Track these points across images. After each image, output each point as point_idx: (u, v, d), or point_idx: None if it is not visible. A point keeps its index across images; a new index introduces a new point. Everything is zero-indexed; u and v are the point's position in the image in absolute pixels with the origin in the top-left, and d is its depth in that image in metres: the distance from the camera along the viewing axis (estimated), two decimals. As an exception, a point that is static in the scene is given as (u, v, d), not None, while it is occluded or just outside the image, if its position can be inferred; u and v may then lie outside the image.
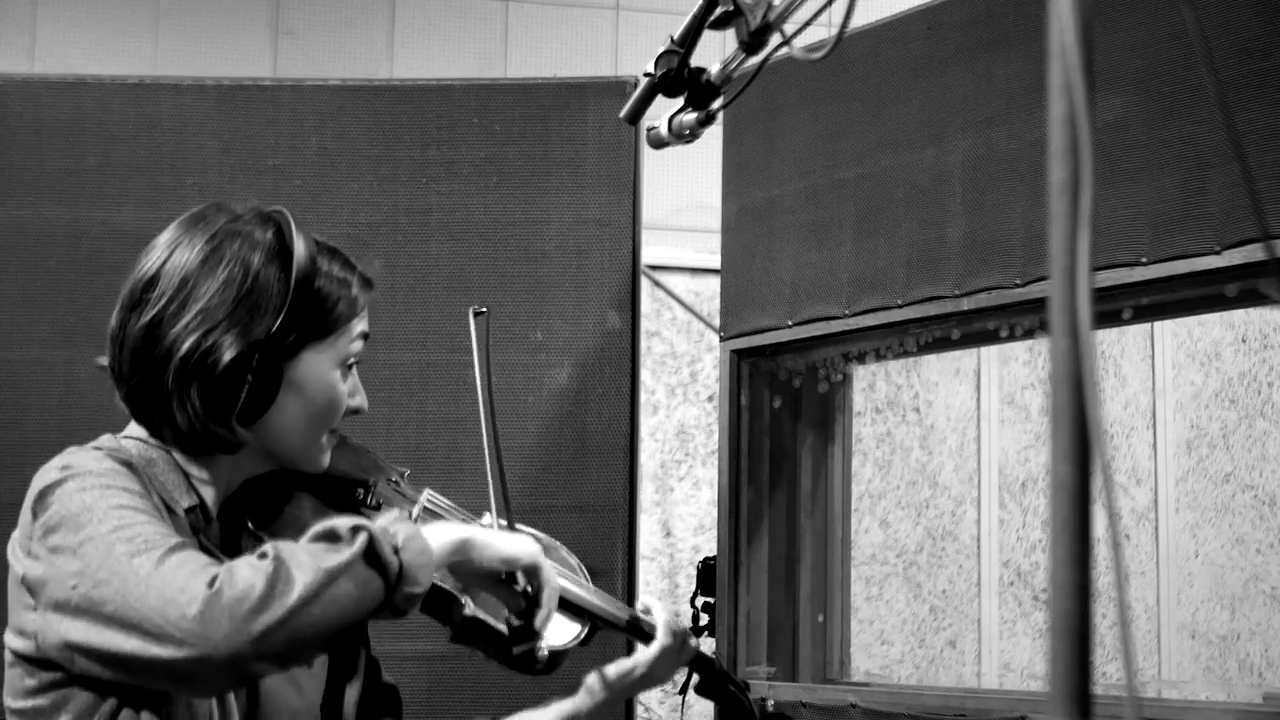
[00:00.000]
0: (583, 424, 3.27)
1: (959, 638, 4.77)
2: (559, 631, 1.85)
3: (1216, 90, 2.43)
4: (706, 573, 3.66)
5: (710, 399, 4.80)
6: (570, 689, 1.99)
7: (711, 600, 3.56)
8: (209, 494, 1.72)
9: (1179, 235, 2.57)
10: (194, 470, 1.70)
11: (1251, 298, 2.63)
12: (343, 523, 1.53)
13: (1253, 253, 2.46)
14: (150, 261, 1.70)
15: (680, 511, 4.81)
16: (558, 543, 2.00)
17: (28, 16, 4.86)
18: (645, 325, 4.59)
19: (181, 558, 1.48)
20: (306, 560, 1.48)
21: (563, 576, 1.89)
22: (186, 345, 1.63)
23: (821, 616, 3.41)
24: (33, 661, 1.58)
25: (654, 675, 1.97)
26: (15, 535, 1.62)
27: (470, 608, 1.76)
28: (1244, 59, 2.49)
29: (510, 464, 2.09)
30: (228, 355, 1.63)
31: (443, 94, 3.38)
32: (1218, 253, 2.52)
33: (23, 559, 1.58)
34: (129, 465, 1.61)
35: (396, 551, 1.53)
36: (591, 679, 1.96)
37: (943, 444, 4.81)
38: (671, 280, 4.87)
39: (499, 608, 1.81)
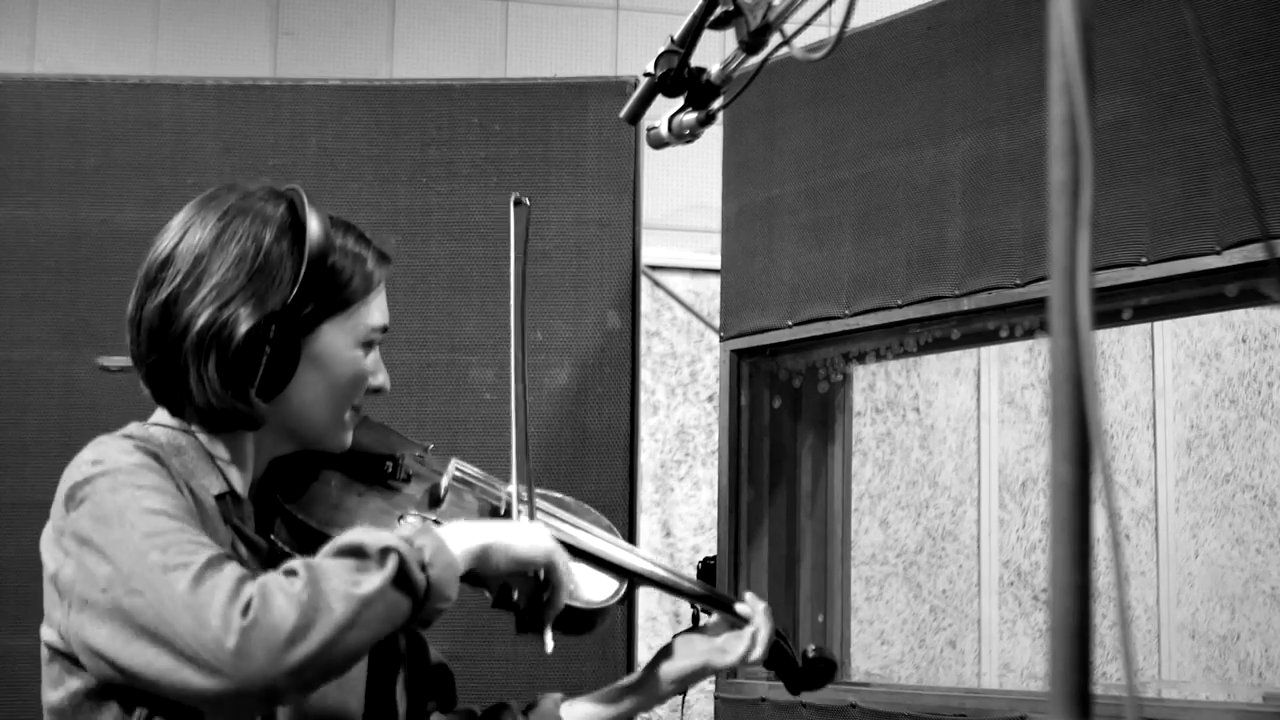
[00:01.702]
0: (583, 424, 3.27)
1: (959, 638, 4.77)
2: (598, 588, 1.86)
3: (1216, 90, 2.43)
4: (706, 573, 3.66)
5: (710, 399, 4.80)
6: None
7: (711, 600, 3.55)
8: (236, 476, 1.72)
9: (1179, 235, 2.57)
10: (219, 452, 1.71)
11: (1251, 298, 2.63)
12: (371, 540, 1.52)
13: (1253, 253, 2.46)
14: (165, 243, 1.71)
15: (680, 511, 4.81)
16: (586, 505, 2.02)
17: (28, 16, 4.86)
18: (645, 325, 4.59)
19: (217, 578, 1.47)
20: (339, 585, 1.47)
21: (597, 537, 1.91)
22: (202, 319, 1.64)
23: (821, 616, 3.41)
24: (70, 659, 1.59)
25: (728, 663, 1.96)
26: (48, 529, 1.62)
27: None
28: (1244, 59, 2.49)
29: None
30: (243, 327, 1.64)
31: (443, 94, 3.38)
32: (1218, 253, 2.52)
33: (55, 555, 1.58)
34: (157, 458, 1.61)
35: (424, 568, 1.53)
36: (660, 669, 1.94)
37: (943, 444, 4.81)
38: (671, 280, 4.87)
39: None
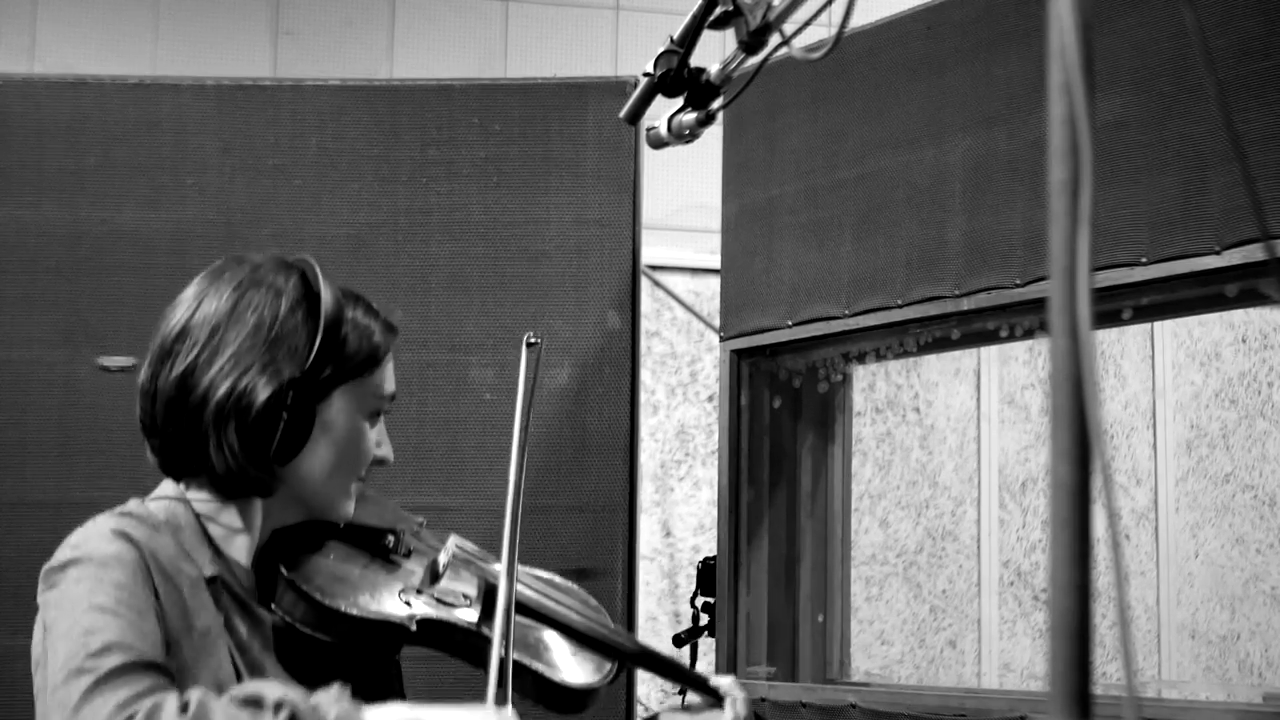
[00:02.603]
0: (583, 424, 3.27)
1: (959, 638, 4.77)
2: (587, 669, 1.91)
3: (1216, 90, 2.43)
4: (706, 573, 3.66)
5: (710, 399, 4.80)
6: None
7: (711, 600, 3.56)
8: (241, 543, 1.74)
9: (1179, 235, 2.57)
10: (227, 520, 1.73)
11: (1251, 298, 2.63)
12: (270, 693, 1.51)
13: (1253, 253, 2.46)
14: (178, 315, 1.73)
15: (680, 511, 4.81)
16: (575, 586, 2.05)
17: (28, 16, 4.86)
18: (645, 325, 4.59)
19: (113, 691, 1.49)
20: None
21: (586, 619, 1.95)
22: (223, 389, 1.67)
23: (821, 616, 3.41)
24: None
25: None
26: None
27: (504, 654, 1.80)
28: (1244, 59, 2.49)
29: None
30: (263, 395, 1.67)
31: (443, 94, 3.38)
32: (1218, 253, 2.52)
33: (37, 631, 1.63)
34: (140, 550, 1.63)
35: None
36: None
37: (943, 444, 4.81)
38: (671, 280, 4.87)
39: (540, 648, 1.87)
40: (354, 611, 1.75)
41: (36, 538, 3.31)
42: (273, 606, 1.74)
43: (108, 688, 1.49)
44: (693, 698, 2.04)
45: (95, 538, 1.62)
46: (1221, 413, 4.57)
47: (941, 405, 4.82)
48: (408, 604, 1.81)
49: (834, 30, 1.59)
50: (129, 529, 1.64)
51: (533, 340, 1.96)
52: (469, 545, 1.95)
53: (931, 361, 4.78)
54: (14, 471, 3.21)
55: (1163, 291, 2.67)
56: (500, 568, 1.82)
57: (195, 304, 1.73)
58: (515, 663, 1.81)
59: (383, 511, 1.91)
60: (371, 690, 1.77)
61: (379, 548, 1.85)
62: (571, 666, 1.89)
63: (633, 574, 3.27)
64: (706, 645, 3.76)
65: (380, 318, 1.82)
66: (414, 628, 1.79)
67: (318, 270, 1.77)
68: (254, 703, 1.51)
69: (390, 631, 1.78)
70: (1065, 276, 0.99)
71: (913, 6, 3.10)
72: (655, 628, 4.60)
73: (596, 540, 3.24)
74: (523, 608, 1.90)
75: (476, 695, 2.01)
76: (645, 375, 4.74)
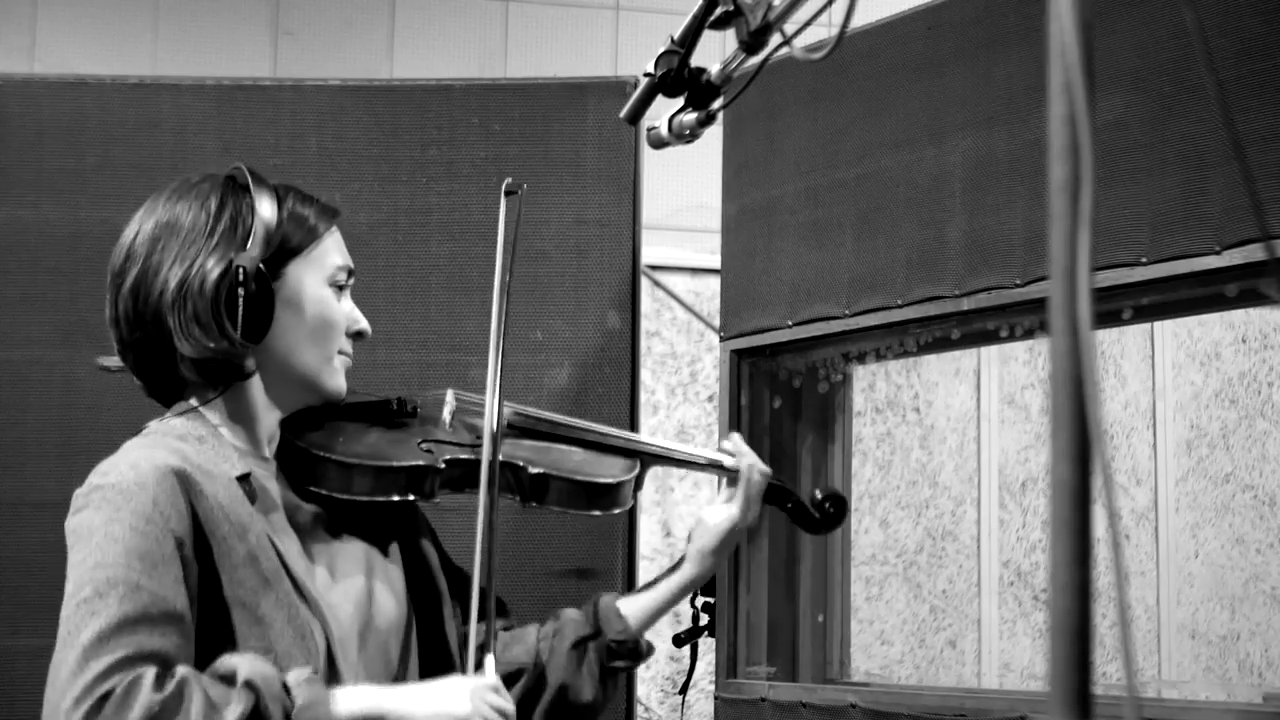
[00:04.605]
0: (583, 424, 3.27)
1: (959, 638, 4.77)
2: (612, 469, 2.11)
3: (1216, 90, 2.43)
4: (709, 583, 3.65)
5: (710, 399, 4.80)
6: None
7: (711, 600, 3.55)
8: (255, 436, 1.82)
9: (1179, 235, 2.57)
10: (231, 419, 1.80)
11: (1251, 298, 2.63)
12: (245, 670, 1.57)
13: (1253, 253, 2.46)
14: (123, 241, 1.83)
15: (680, 511, 4.81)
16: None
17: (28, 16, 4.86)
18: (645, 325, 4.59)
19: (110, 649, 1.53)
20: (198, 708, 1.52)
21: (599, 432, 2.17)
22: (174, 282, 1.75)
23: (821, 616, 3.41)
24: None
25: (748, 517, 2.19)
26: None
27: (533, 468, 2.02)
28: (1244, 59, 2.49)
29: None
30: (213, 275, 1.74)
31: (443, 94, 3.38)
32: (1218, 253, 2.52)
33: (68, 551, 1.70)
34: (170, 466, 1.68)
35: (287, 715, 1.58)
36: (692, 546, 2.17)
37: (943, 444, 4.81)
38: (671, 280, 4.87)
39: (561, 459, 2.07)
40: (386, 463, 1.88)
41: (36, 538, 3.31)
42: (305, 487, 1.84)
43: (112, 639, 1.54)
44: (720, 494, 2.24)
45: (123, 465, 1.68)
46: (1221, 413, 4.57)
47: (941, 405, 4.81)
48: (429, 451, 1.94)
49: (834, 30, 1.59)
50: (157, 448, 1.70)
51: (513, 188, 2.05)
52: (470, 395, 2.10)
53: (931, 361, 4.78)
54: (14, 471, 3.21)
55: (1163, 291, 2.67)
56: (497, 410, 1.98)
57: (136, 227, 1.82)
58: (542, 475, 2.01)
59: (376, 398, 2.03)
60: (408, 544, 1.93)
61: (386, 414, 1.98)
62: (595, 468, 2.07)
63: (633, 574, 3.27)
64: (706, 645, 3.75)
65: (315, 201, 1.90)
66: (442, 465, 1.92)
67: (247, 172, 1.85)
68: (228, 678, 1.58)
69: (421, 475, 1.91)
70: (1065, 276, 0.99)
71: (913, 6, 3.10)
72: (655, 628, 4.60)
73: (596, 540, 3.24)
74: (535, 432, 2.10)
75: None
76: (645, 375, 4.74)
